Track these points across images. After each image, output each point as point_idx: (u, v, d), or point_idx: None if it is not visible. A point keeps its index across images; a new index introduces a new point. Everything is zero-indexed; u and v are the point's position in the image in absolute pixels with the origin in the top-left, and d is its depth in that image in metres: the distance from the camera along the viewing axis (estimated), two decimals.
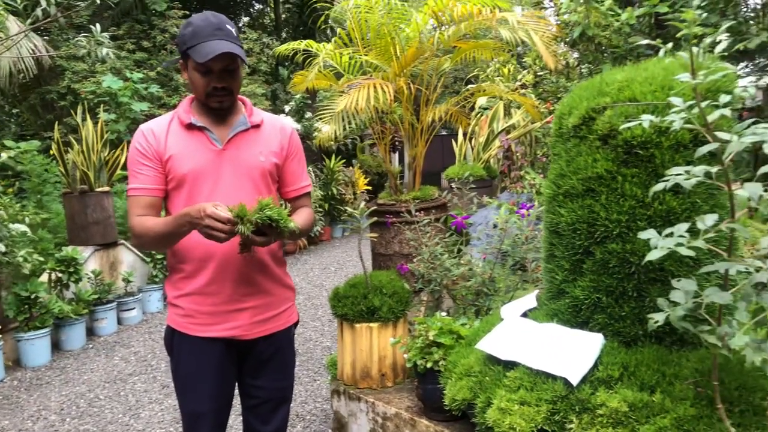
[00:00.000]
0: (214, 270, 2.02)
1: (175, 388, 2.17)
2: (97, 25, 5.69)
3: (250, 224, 1.78)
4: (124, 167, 7.22)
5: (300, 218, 2.11)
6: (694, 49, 1.40)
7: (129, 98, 8.28)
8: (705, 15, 4.05)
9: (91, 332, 5.78)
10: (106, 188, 6.20)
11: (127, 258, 6.51)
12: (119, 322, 6.07)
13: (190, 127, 2.04)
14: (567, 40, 5.62)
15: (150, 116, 8.86)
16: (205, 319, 2.06)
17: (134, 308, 6.19)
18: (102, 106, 7.92)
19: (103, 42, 5.51)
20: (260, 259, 2.09)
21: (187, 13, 10.98)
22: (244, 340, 2.11)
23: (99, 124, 6.30)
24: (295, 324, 2.31)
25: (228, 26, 1.96)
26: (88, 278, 5.82)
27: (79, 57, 8.23)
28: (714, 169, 1.45)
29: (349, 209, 3.13)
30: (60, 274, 5.41)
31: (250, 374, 2.21)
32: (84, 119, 6.21)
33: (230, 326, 2.07)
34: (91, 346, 5.51)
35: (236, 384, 2.24)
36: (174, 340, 2.13)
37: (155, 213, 2.04)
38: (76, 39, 5.89)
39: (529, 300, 2.53)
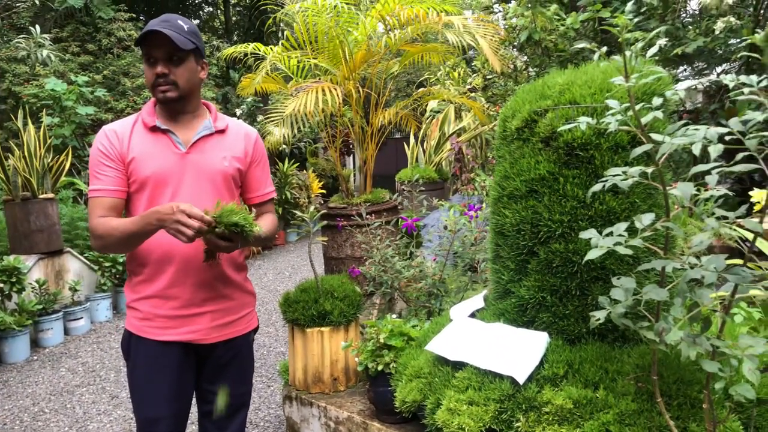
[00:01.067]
0: (174, 273, 2.02)
1: (131, 394, 2.13)
2: (37, 26, 5.53)
3: (213, 229, 1.80)
4: (70, 173, 7.05)
5: (264, 224, 2.13)
6: (627, 53, 1.44)
7: (74, 102, 8.07)
8: (638, 18, 4.17)
9: (36, 344, 5.61)
10: (50, 195, 6.02)
11: (74, 266, 6.34)
12: (66, 332, 5.90)
13: (154, 129, 2.03)
14: (515, 43, 5.71)
15: (96, 120, 8.66)
16: (164, 323, 2.04)
17: (82, 318, 6.03)
18: (45, 110, 7.71)
19: (44, 44, 5.35)
20: (224, 262, 2.10)
21: (134, 15, 10.77)
22: (203, 344, 2.10)
23: (42, 129, 6.12)
24: (255, 329, 2.31)
25: (179, 21, 1.97)
26: (32, 288, 5.65)
27: (19, 59, 7.98)
28: (649, 170, 1.49)
29: (299, 213, 3.11)
30: (1, 284, 5.23)
31: (208, 379, 2.19)
32: (25, 123, 6.03)
33: (189, 330, 2.06)
34: (35, 357, 5.34)
35: (193, 389, 2.21)
36: (131, 344, 2.10)
37: (117, 215, 2.01)
38: (15, 40, 5.71)
39: (477, 300, 2.56)
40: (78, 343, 5.73)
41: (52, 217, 6.00)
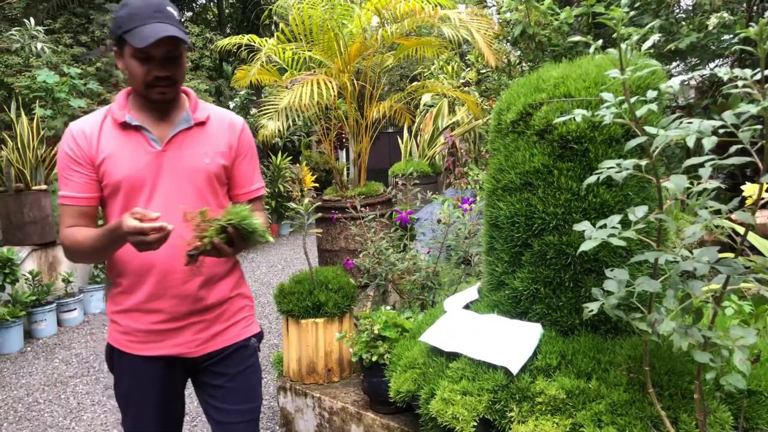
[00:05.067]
0: (154, 285, 1.84)
1: (118, 406, 1.99)
2: (31, 18, 5.50)
3: (216, 232, 1.62)
4: None
5: None
6: (623, 46, 1.45)
7: (66, 94, 8.01)
8: (632, 13, 4.19)
9: (29, 335, 5.59)
10: (44, 186, 6.01)
11: None
12: (59, 323, 5.89)
13: (125, 126, 1.82)
14: (508, 38, 5.72)
15: (89, 113, 8.59)
16: (145, 337, 1.88)
17: (75, 309, 6.02)
18: (38, 101, 7.66)
19: (38, 36, 5.32)
20: (209, 271, 1.89)
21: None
22: (190, 357, 1.93)
23: (35, 121, 6.10)
24: (257, 337, 2.08)
25: (169, 8, 1.76)
26: (26, 279, 5.63)
27: (12, 51, 7.93)
28: (643, 162, 1.50)
29: (294, 205, 3.12)
30: None
31: (209, 395, 2.01)
32: (18, 115, 6.01)
33: (173, 343, 1.89)
34: (29, 349, 5.33)
35: (184, 404, 2.08)
36: (114, 358, 1.95)
37: (88, 223, 1.84)
38: (9, 33, 5.67)
39: (471, 292, 2.57)
40: (71, 334, 5.72)
41: (46, 208, 5.98)
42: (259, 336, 2.09)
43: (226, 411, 1.99)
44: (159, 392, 1.93)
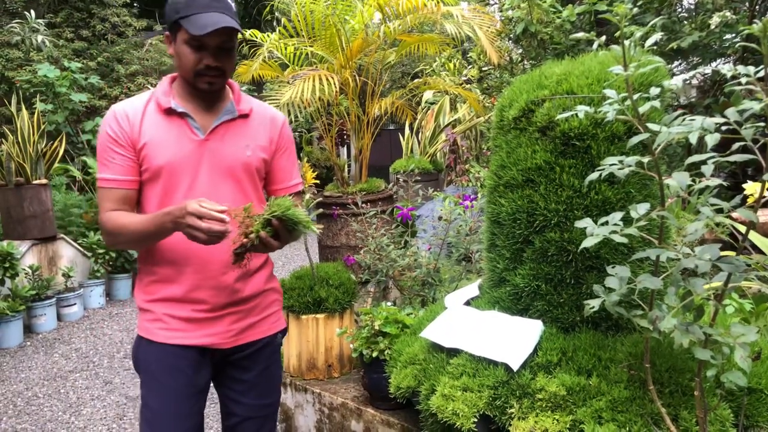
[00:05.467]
0: (192, 275, 1.82)
1: (142, 414, 1.88)
2: (32, 11, 5.49)
3: (262, 226, 1.60)
4: (63, 160, 7.03)
5: None
6: (626, 43, 1.45)
7: (67, 88, 8.02)
8: (635, 10, 4.19)
9: (29, 329, 5.60)
10: (44, 181, 6.01)
11: (67, 252, 6.33)
12: (59, 318, 5.90)
13: (169, 112, 1.81)
14: (511, 35, 5.71)
15: (90, 107, 8.60)
16: (178, 325, 1.85)
17: (75, 304, 6.03)
18: (38, 95, 7.66)
19: (39, 29, 5.32)
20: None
21: (128, 1, 10.68)
22: (222, 349, 1.91)
23: (35, 115, 6.10)
24: (283, 332, 2.09)
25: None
26: (26, 274, 5.63)
27: (13, 44, 7.92)
28: (646, 160, 1.50)
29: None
30: None
31: (231, 389, 2.00)
32: (19, 109, 6.01)
33: (206, 333, 1.86)
34: (29, 343, 5.34)
35: (202, 415, 2.00)
36: (141, 350, 1.89)
37: (128, 207, 1.82)
38: (9, 25, 5.66)
39: (471, 289, 2.57)
40: (71, 329, 5.73)
41: (46, 203, 5.98)
42: (284, 331, 2.10)
43: (247, 405, 2.00)
44: (187, 383, 1.86)
